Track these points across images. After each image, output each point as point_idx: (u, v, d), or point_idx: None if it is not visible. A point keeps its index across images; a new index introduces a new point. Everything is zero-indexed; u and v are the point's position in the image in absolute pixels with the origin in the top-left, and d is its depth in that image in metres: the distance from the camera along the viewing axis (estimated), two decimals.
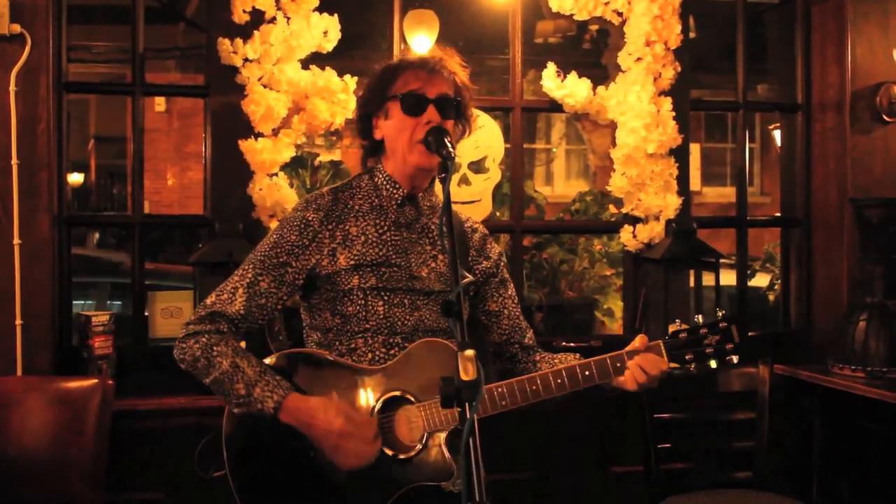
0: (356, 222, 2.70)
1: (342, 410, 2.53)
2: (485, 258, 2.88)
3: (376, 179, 2.76)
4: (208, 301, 2.64)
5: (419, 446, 2.57)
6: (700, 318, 2.66)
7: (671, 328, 2.68)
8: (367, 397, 2.61)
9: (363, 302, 2.64)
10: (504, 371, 2.88)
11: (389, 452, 2.56)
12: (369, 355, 2.65)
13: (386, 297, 2.65)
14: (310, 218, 2.67)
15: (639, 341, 2.64)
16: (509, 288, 2.94)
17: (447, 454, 2.56)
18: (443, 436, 2.57)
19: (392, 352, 2.65)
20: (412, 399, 2.59)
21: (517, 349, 2.89)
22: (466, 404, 2.05)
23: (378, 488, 2.54)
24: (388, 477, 2.55)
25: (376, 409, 2.59)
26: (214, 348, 2.56)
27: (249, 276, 2.65)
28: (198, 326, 2.60)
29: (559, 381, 2.61)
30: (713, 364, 2.63)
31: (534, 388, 2.61)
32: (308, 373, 2.64)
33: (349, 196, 2.75)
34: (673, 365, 2.63)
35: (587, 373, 2.61)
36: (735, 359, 2.63)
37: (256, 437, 2.62)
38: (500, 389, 2.60)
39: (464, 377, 2.07)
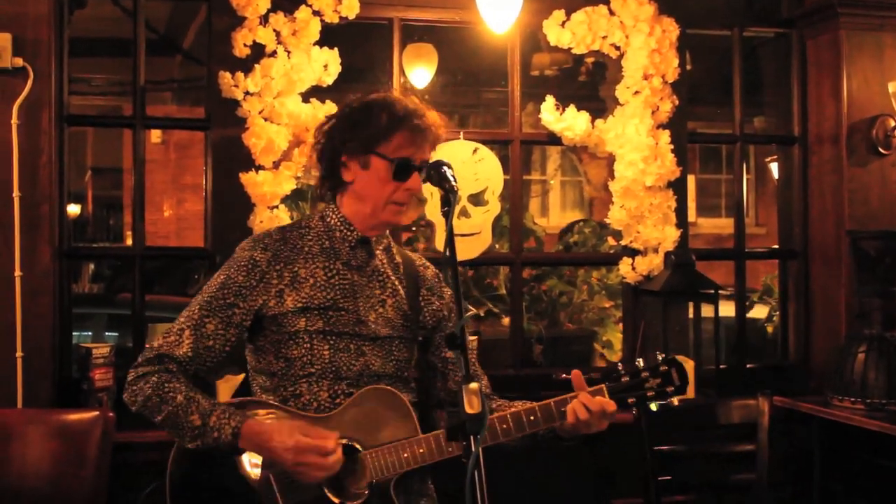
0: (305, 264, 2.64)
1: (297, 428, 2.46)
2: (437, 298, 2.81)
3: (329, 220, 2.70)
4: (155, 344, 2.57)
5: (366, 492, 2.53)
6: (641, 362, 2.66)
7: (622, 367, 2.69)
8: None
9: (309, 345, 2.59)
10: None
11: (337, 501, 2.52)
12: (314, 403, 2.60)
13: (332, 341, 2.60)
14: (257, 258, 2.61)
15: (576, 380, 2.60)
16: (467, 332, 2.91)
17: (396, 500, 2.53)
18: (391, 482, 2.54)
19: (337, 400, 2.60)
20: (359, 447, 2.55)
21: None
22: (471, 437, 2.06)
23: None
24: None
25: None
26: (166, 385, 2.49)
27: (196, 317, 2.57)
28: (146, 368, 2.53)
29: (504, 426, 2.57)
30: (653, 407, 2.62)
31: (504, 426, 2.57)
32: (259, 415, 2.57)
33: (298, 236, 2.68)
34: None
35: (532, 418, 2.57)
36: (675, 401, 2.62)
37: (201, 485, 2.59)
38: (444, 435, 2.54)
39: (468, 410, 2.08)
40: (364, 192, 2.63)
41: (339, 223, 2.68)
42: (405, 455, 2.53)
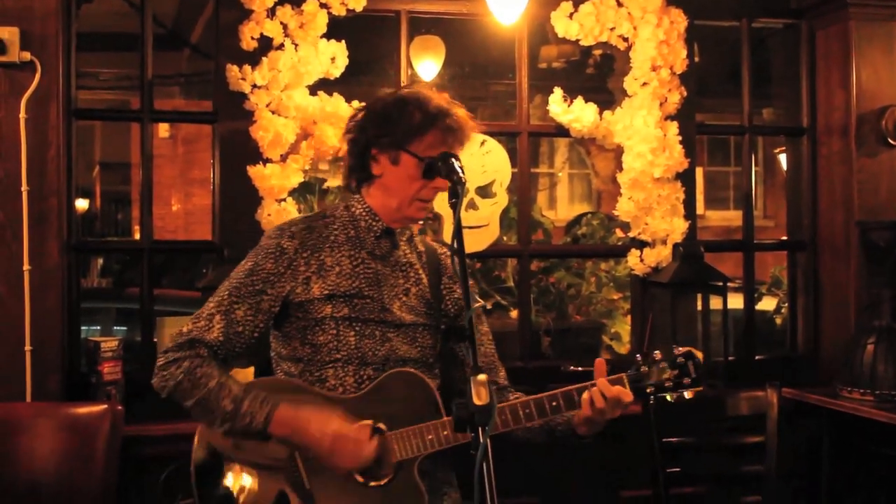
0: (331, 252, 2.69)
1: (336, 414, 2.54)
2: (459, 286, 2.84)
3: (354, 210, 2.75)
4: (185, 329, 2.61)
5: (391, 474, 2.58)
6: (659, 354, 2.70)
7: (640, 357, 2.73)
8: None
9: (335, 332, 2.64)
10: None
11: (361, 479, 2.57)
12: (340, 388, 2.64)
13: (358, 328, 2.65)
14: (285, 245, 2.66)
15: (599, 368, 2.65)
16: (485, 323, 2.95)
17: (419, 482, 2.57)
18: (415, 464, 2.58)
19: (363, 385, 2.64)
20: (383, 428, 2.59)
21: (493, 389, 2.87)
22: (479, 428, 2.07)
23: None
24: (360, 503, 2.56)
25: None
26: (198, 370, 2.55)
27: (226, 303, 2.62)
28: (177, 353, 2.58)
29: (527, 410, 2.62)
30: (669, 398, 2.68)
31: (503, 417, 2.61)
32: (284, 398, 2.60)
33: (323, 225, 2.74)
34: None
35: (554, 403, 2.63)
36: (690, 393, 2.68)
37: (226, 465, 2.63)
38: None
39: (477, 401, 2.09)
40: (392, 187, 2.68)
41: (364, 213, 2.74)
42: (429, 437, 2.57)
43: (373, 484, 2.57)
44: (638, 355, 2.72)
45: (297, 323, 2.68)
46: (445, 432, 2.57)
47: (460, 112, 2.68)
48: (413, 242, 2.85)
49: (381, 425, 2.58)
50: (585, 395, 2.60)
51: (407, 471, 2.58)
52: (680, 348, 2.70)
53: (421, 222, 2.84)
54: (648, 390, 2.66)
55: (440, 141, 2.62)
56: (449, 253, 2.90)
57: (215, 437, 2.62)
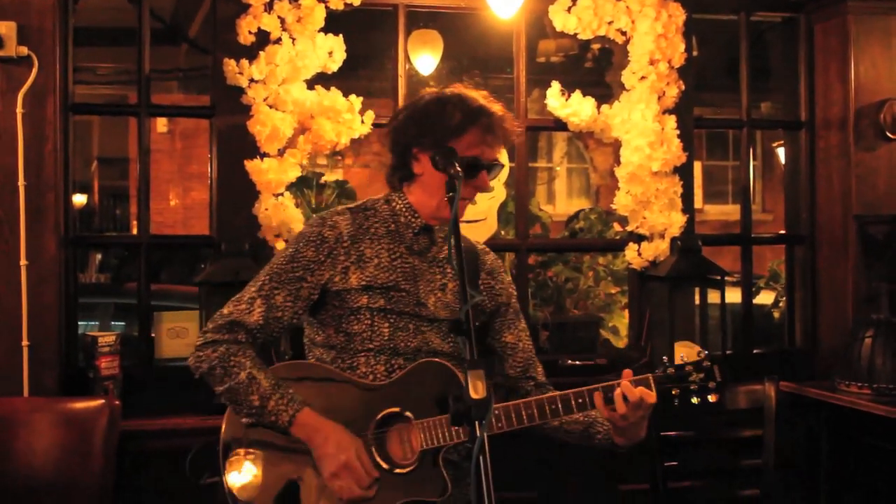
0: (371, 244, 2.72)
1: (353, 445, 2.57)
2: (496, 283, 2.90)
3: (394, 205, 2.77)
4: (226, 311, 2.68)
5: (415, 462, 2.60)
6: (684, 357, 2.70)
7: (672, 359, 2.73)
8: (367, 412, 2.63)
9: (369, 322, 2.68)
10: None
11: (385, 466, 2.60)
12: (370, 377, 2.67)
13: (392, 320, 2.69)
14: (326, 234, 2.70)
15: (626, 377, 2.65)
16: (523, 320, 2.97)
17: (444, 471, 2.59)
18: (440, 453, 2.60)
19: (393, 374, 2.67)
20: (410, 416, 2.62)
21: (532, 385, 2.91)
22: (476, 422, 2.06)
23: (372, 500, 2.58)
24: (383, 490, 2.58)
25: (375, 424, 2.62)
26: (232, 358, 2.61)
27: (266, 288, 2.68)
28: (216, 335, 2.64)
29: (553, 406, 2.64)
30: (695, 400, 2.68)
31: (529, 412, 2.63)
32: (311, 383, 2.67)
33: (364, 217, 2.77)
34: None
35: (580, 400, 2.64)
36: (714, 398, 2.68)
37: (252, 442, 2.66)
38: (496, 412, 2.62)
39: (473, 396, 2.08)
40: (432, 186, 2.69)
41: (404, 209, 2.76)
42: (455, 428, 2.58)
43: (397, 471, 2.60)
44: (665, 357, 2.72)
45: (332, 311, 2.72)
46: None
47: (502, 112, 2.71)
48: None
49: (409, 413, 2.61)
50: (597, 396, 2.62)
51: (431, 460, 2.60)
52: (703, 352, 2.71)
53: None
54: (674, 392, 2.66)
55: (479, 140, 2.65)
56: (487, 249, 2.97)
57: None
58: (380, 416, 2.62)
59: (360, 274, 2.68)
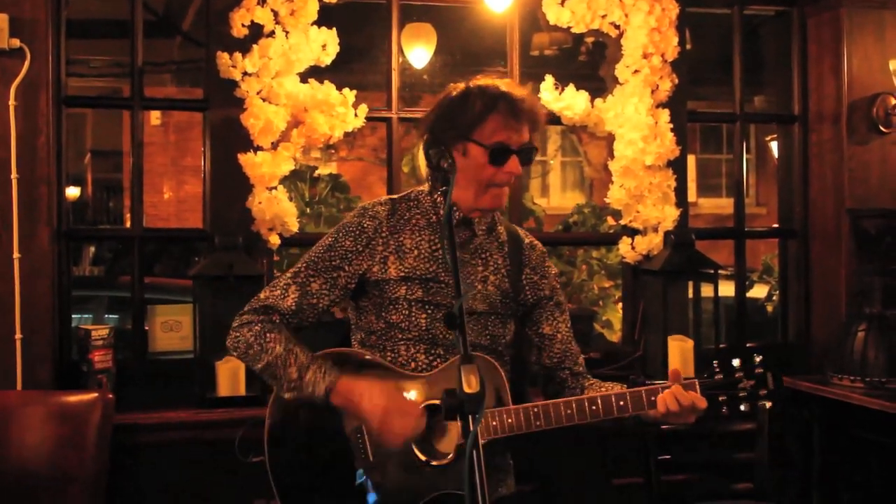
0: (411, 235, 2.75)
1: (387, 390, 2.59)
2: (540, 277, 2.90)
3: (436, 197, 2.78)
4: (262, 295, 2.73)
5: (453, 455, 2.61)
6: (738, 362, 2.64)
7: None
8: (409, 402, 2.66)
9: (407, 312, 2.71)
10: (552, 395, 2.88)
11: (423, 458, 2.62)
12: (412, 364, 2.71)
13: (429, 311, 2.71)
14: (366, 225, 2.73)
15: (673, 376, 2.64)
16: (564, 312, 2.96)
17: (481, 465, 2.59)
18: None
19: (435, 363, 2.70)
20: None
21: (567, 374, 2.90)
22: (469, 417, 2.07)
23: (408, 490, 2.62)
24: (420, 481, 2.62)
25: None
26: (268, 335, 2.65)
27: (302, 275, 2.72)
28: (251, 317, 2.69)
29: (594, 407, 2.62)
30: (744, 408, 2.62)
31: (568, 411, 2.62)
32: (353, 372, 2.67)
33: (406, 208, 2.79)
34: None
35: (621, 403, 2.62)
36: (767, 405, 2.63)
37: (297, 428, 2.72)
38: (535, 409, 2.62)
39: (467, 390, 2.09)
40: (465, 179, 2.68)
41: (443, 202, 2.73)
42: (494, 423, 2.61)
43: (434, 463, 2.62)
44: (715, 361, 2.68)
45: (373, 299, 2.75)
46: (510, 420, 2.60)
47: (524, 95, 2.69)
48: (496, 232, 2.86)
49: None
50: (660, 398, 2.59)
51: None
52: (758, 358, 2.65)
53: (499, 212, 2.85)
54: (721, 398, 2.62)
55: (503, 125, 2.64)
56: (534, 243, 2.96)
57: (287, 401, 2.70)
58: (421, 406, 2.63)
59: (400, 265, 2.71)
